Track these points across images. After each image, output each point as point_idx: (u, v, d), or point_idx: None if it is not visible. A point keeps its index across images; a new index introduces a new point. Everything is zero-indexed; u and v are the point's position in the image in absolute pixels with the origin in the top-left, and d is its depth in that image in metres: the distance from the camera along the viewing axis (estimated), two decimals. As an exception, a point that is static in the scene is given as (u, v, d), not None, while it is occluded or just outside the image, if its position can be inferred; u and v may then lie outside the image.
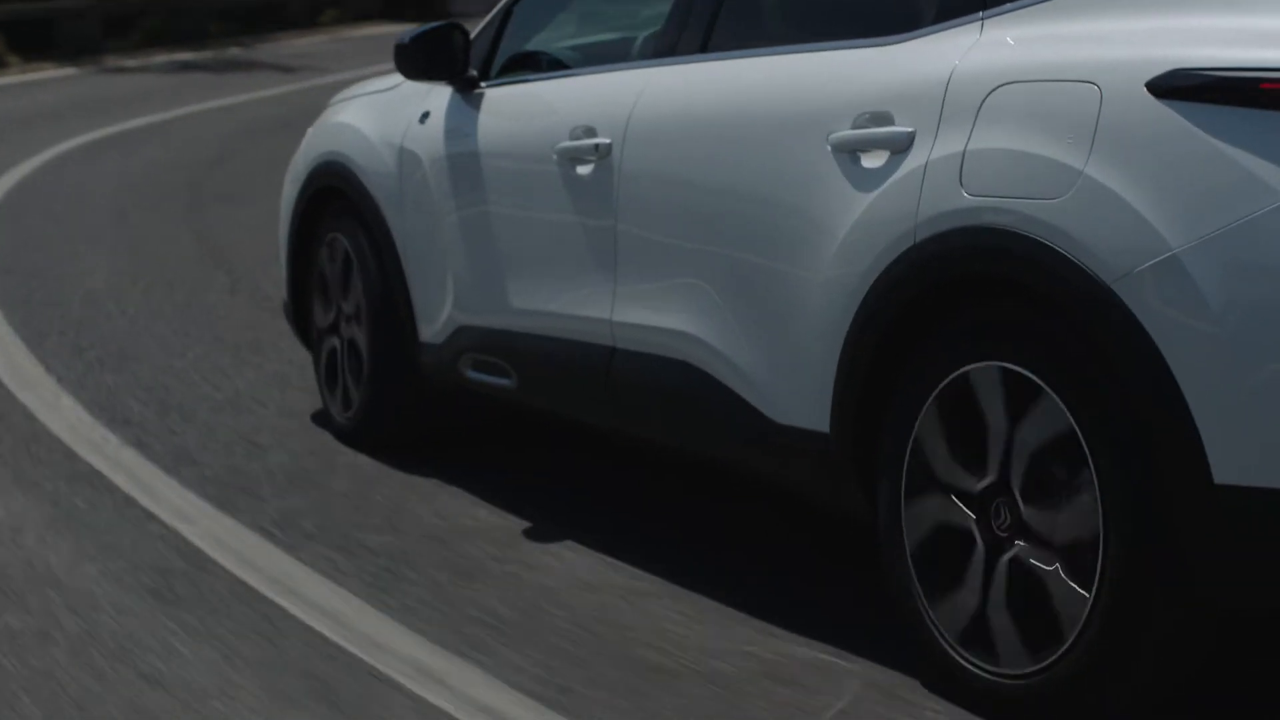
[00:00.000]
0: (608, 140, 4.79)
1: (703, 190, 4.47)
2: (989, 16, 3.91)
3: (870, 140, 4.03)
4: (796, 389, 4.24)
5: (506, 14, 5.52)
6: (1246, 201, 3.32)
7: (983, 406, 3.77)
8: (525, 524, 5.16)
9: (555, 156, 4.98)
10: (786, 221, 4.22)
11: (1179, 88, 3.42)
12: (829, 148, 4.12)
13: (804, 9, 4.56)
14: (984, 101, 3.77)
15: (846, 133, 4.08)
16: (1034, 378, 3.65)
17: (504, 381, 5.31)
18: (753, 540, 5.04)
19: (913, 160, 3.91)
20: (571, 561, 4.87)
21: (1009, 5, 3.89)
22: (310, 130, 6.41)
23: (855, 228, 4.03)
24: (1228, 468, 3.37)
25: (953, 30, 3.97)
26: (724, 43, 4.62)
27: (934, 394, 3.87)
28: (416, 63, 5.49)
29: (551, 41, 5.53)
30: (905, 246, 3.90)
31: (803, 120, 4.20)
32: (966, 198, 3.75)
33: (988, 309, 3.80)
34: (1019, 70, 3.73)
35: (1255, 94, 3.33)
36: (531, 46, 5.51)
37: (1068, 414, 3.59)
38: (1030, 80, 3.70)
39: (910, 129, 3.93)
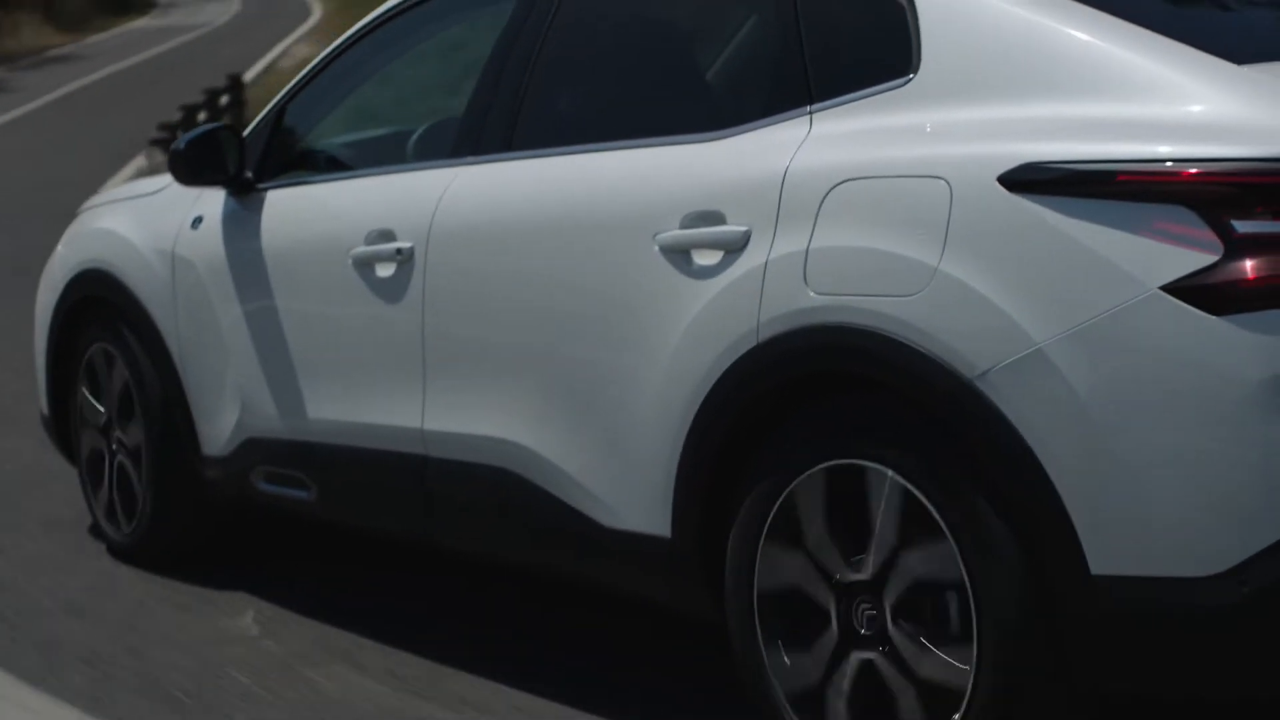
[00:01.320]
0: (409, 244, 4.57)
1: (520, 293, 4.28)
2: (817, 110, 3.80)
3: (701, 240, 3.89)
4: (631, 493, 4.07)
5: (279, 113, 5.26)
6: (1111, 293, 3.25)
7: (840, 503, 3.65)
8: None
9: (350, 261, 4.73)
10: (614, 323, 4.06)
11: (1032, 181, 3.35)
12: (656, 248, 3.96)
13: (618, 105, 4.39)
14: (824, 199, 3.65)
15: (675, 232, 3.93)
16: (896, 476, 3.54)
17: (302, 494, 5.04)
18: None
19: (750, 259, 3.78)
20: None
21: (837, 98, 3.78)
22: (65, 237, 6.06)
23: (692, 328, 3.88)
24: (1105, 558, 3.29)
25: (779, 125, 3.86)
26: (531, 140, 4.43)
27: (786, 492, 3.74)
28: (191, 167, 5.20)
29: (326, 139, 5.29)
30: (748, 346, 3.76)
31: (627, 220, 4.04)
32: (813, 296, 3.63)
33: (841, 407, 3.68)
34: (859, 166, 3.62)
35: (1112, 185, 3.27)
36: (307, 145, 5.26)
37: (934, 512, 3.48)
38: (872, 177, 3.60)
39: (744, 228, 3.80)
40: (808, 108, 3.82)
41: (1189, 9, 3.83)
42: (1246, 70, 3.36)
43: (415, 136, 5.07)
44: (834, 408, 3.69)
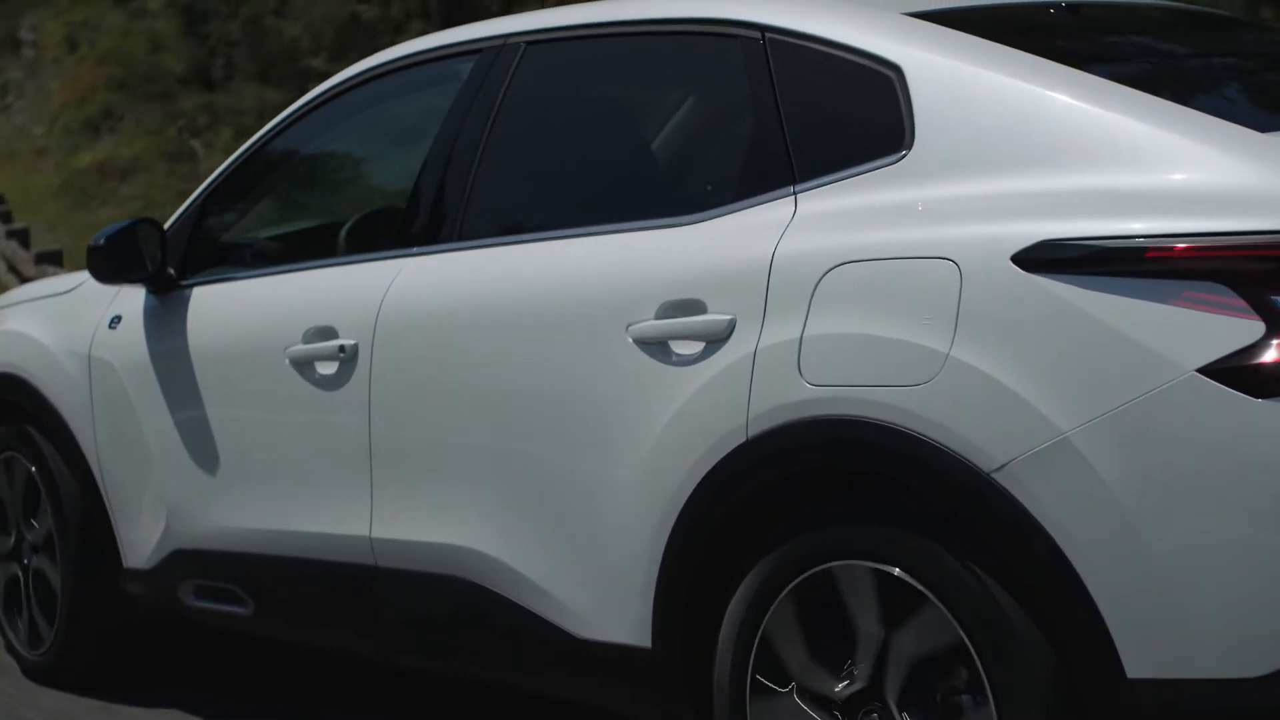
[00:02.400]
0: (352, 341, 4.24)
1: (477, 392, 3.96)
2: (802, 190, 3.53)
3: (681, 330, 3.59)
4: (607, 602, 3.75)
5: (202, 206, 4.92)
6: (1143, 377, 2.99)
7: (848, 610, 3.35)
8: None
9: (287, 360, 4.40)
10: (583, 422, 3.75)
11: (1050, 260, 3.09)
12: (630, 340, 3.67)
13: (579, 190, 4.09)
14: (818, 284, 3.38)
15: (650, 323, 3.64)
16: (908, 579, 3.26)
17: (237, 609, 4.67)
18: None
19: (736, 350, 3.49)
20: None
21: (823, 177, 3.52)
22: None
23: (672, 425, 3.58)
24: (1141, 661, 3.02)
25: (761, 207, 3.58)
26: (483, 229, 4.12)
27: (782, 596, 3.44)
28: (109, 263, 4.83)
29: (254, 232, 4.95)
30: (737, 443, 3.47)
31: (597, 311, 3.74)
32: (809, 388, 3.35)
33: (844, 505, 3.39)
34: (855, 249, 3.35)
35: (1140, 263, 3.02)
36: (233, 239, 4.93)
37: (951, 619, 3.20)
38: (871, 259, 3.33)
39: (729, 316, 3.51)
40: (791, 188, 3.55)
41: (1206, 75, 3.61)
42: (1272, 138, 3.13)
43: (349, 227, 4.76)
44: (835, 506, 3.40)
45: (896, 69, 3.50)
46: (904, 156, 3.41)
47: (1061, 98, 3.30)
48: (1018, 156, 3.28)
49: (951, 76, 3.44)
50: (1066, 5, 3.98)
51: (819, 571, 3.39)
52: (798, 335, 3.38)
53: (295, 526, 4.43)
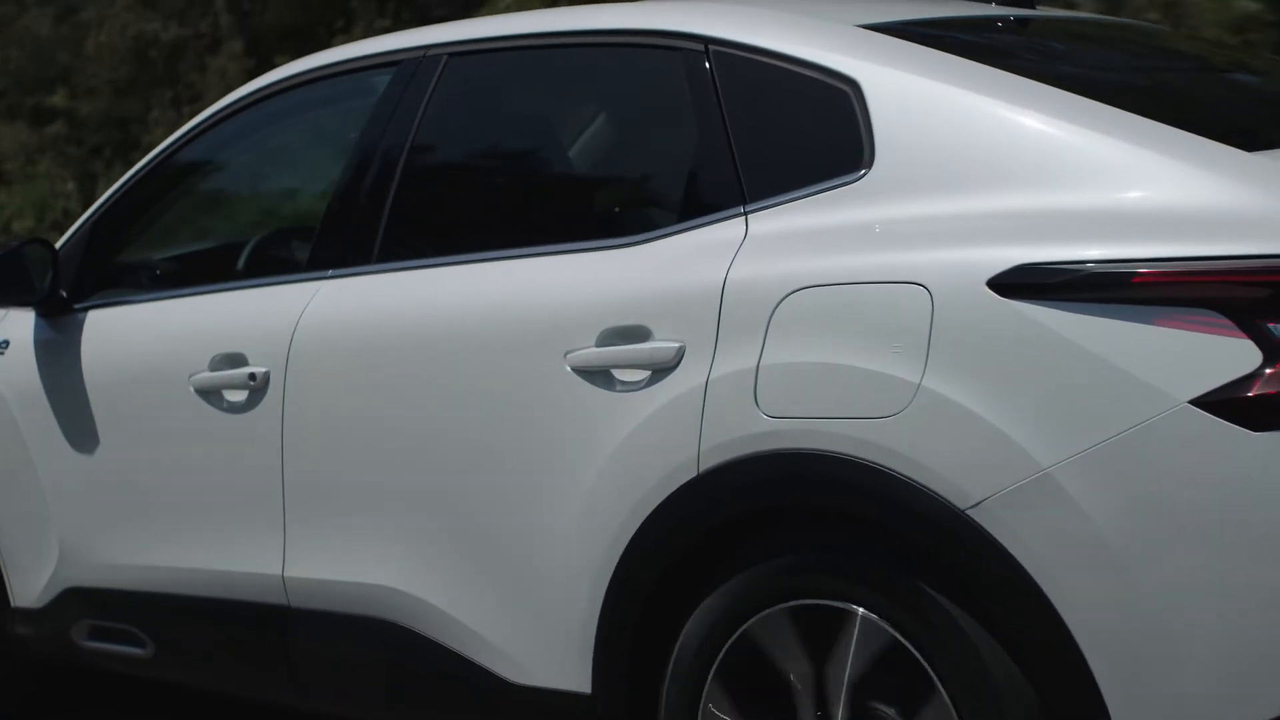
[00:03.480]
0: (263, 369, 3.94)
1: (401, 423, 3.68)
2: (753, 211, 3.30)
3: (623, 358, 3.35)
4: (543, 645, 3.49)
5: (96, 225, 4.59)
6: (1132, 409, 2.79)
7: (806, 654, 3.12)
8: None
9: (191, 388, 4.09)
10: (516, 454, 3.49)
11: (1029, 285, 2.88)
12: (568, 368, 3.41)
13: (508, 211, 3.83)
14: (775, 310, 3.14)
15: (590, 350, 3.38)
16: (875, 619, 3.03)
17: (134, 651, 4.35)
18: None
19: (685, 379, 3.25)
20: None
21: (774, 198, 3.28)
22: None
23: (615, 458, 3.33)
24: (1129, 710, 2.81)
25: (709, 228, 3.34)
26: (406, 250, 3.85)
27: (734, 638, 3.20)
28: None
29: (153, 253, 4.63)
30: (687, 477, 3.23)
31: (531, 338, 3.48)
32: (766, 420, 3.12)
33: (801, 543, 3.16)
34: (814, 273, 3.12)
35: (1127, 289, 2.81)
36: (131, 260, 4.60)
37: (923, 662, 2.98)
38: (832, 284, 3.09)
39: (676, 343, 3.27)
40: (741, 209, 3.31)
41: (1178, 91, 3.42)
42: (1260, 157, 2.94)
43: (254, 248, 4.46)
44: (793, 544, 3.16)
45: (853, 83, 3.27)
46: (863, 176, 3.19)
47: (1032, 114, 3.09)
48: (986, 176, 3.07)
49: (912, 92, 3.22)
50: (1015, 19, 3.79)
51: (775, 612, 3.16)
52: (753, 364, 3.15)
53: (199, 564, 4.12)
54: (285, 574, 3.93)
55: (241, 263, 4.45)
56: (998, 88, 3.17)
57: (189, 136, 4.38)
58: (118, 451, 4.31)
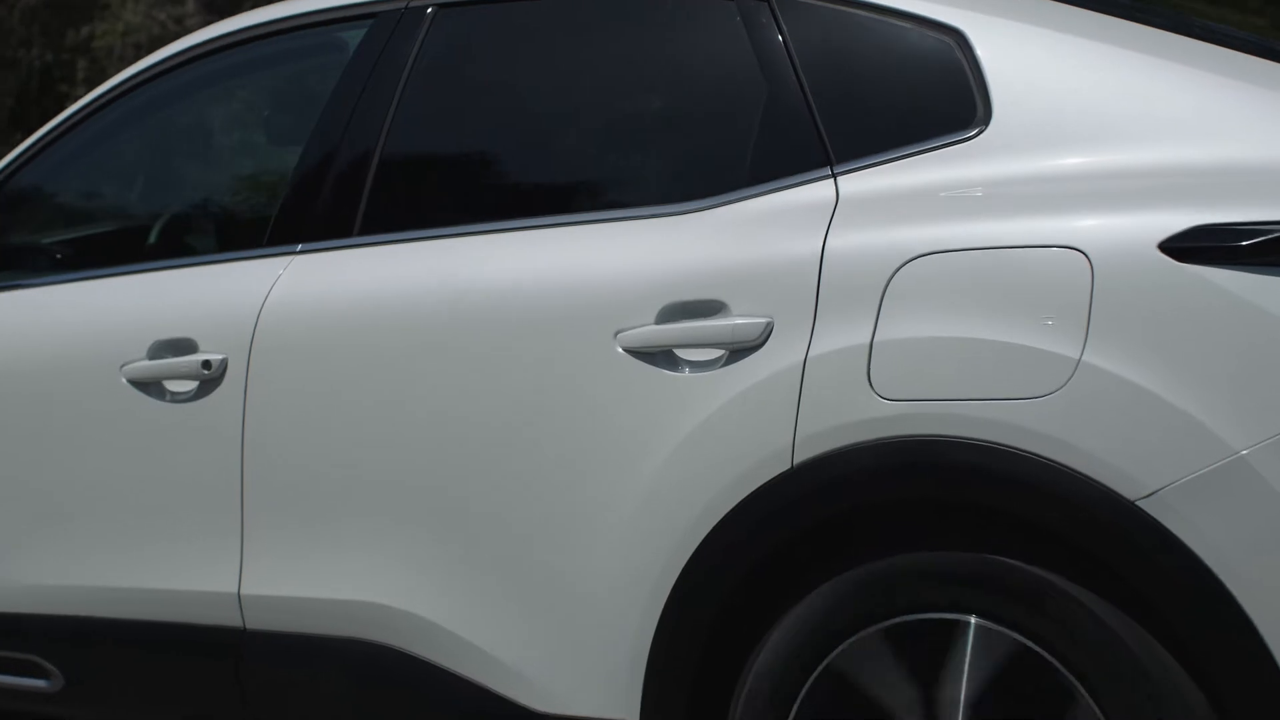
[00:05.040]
0: (219, 356, 3.38)
1: (404, 415, 3.16)
2: (843, 171, 2.88)
3: (691, 336, 2.89)
4: (580, 666, 3.01)
5: (-8, 198, 3.96)
6: None
7: (904, 676, 2.69)
8: None
9: (124, 379, 3.49)
10: (555, 448, 3.01)
11: (1211, 249, 2.51)
12: (619, 349, 2.94)
13: (535, 170, 3.32)
14: (891, 280, 2.72)
15: (648, 329, 2.93)
16: (993, 625, 2.62)
17: (38, 684, 3.71)
18: None
19: (775, 359, 2.80)
20: None
21: (870, 156, 2.87)
22: None
23: (680, 453, 2.87)
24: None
25: (788, 191, 2.92)
26: (400, 220, 3.33)
27: (829, 660, 2.76)
28: None
29: (65, 228, 4.01)
30: (775, 472, 2.78)
31: (572, 316, 3.00)
32: (884, 403, 2.69)
33: (920, 543, 2.73)
34: (939, 239, 2.71)
35: (1332, 251, 2.46)
36: (38, 235, 3.98)
37: (1078, 686, 2.57)
38: (963, 249, 2.69)
39: (762, 319, 2.82)
40: (828, 170, 2.89)
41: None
42: None
43: (196, 221, 3.88)
44: (910, 545, 2.73)
45: (955, 33, 2.88)
46: (980, 132, 2.79)
47: (1182, 63, 2.73)
48: (1134, 130, 2.70)
49: (1031, 40, 2.84)
50: None
51: (872, 633, 2.72)
52: (865, 340, 2.72)
53: (129, 582, 3.52)
54: (242, 591, 3.36)
55: (181, 238, 3.86)
56: (1133, 37, 2.81)
57: (115, 93, 3.78)
58: (24, 452, 3.68)
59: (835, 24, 3.00)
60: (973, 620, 2.64)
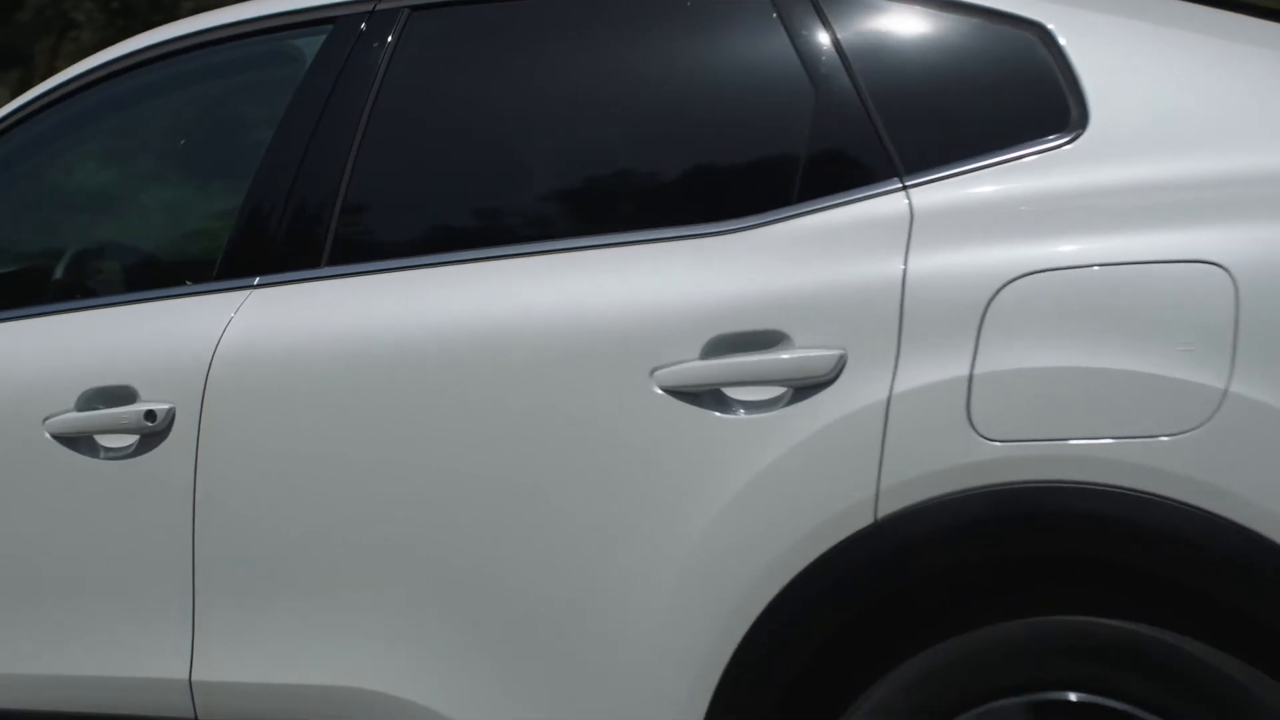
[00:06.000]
0: (166, 405, 2.90)
1: (399, 464, 2.71)
2: (915, 183, 2.51)
3: (743, 373, 2.50)
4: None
5: None
6: None
7: None
8: None
9: (48, 434, 3.00)
10: (581, 504, 2.59)
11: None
12: (656, 388, 2.53)
13: (538, 188, 2.88)
14: (991, 303, 2.35)
15: (690, 365, 2.52)
16: (1141, 713, 2.25)
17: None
18: None
19: (850, 397, 2.42)
20: None
21: (947, 166, 2.50)
22: None
23: (735, 508, 2.47)
24: None
25: (851, 206, 2.54)
26: (382, 248, 2.90)
27: None
28: None
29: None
30: (856, 528, 2.39)
31: (601, 352, 2.59)
32: (988, 444, 2.31)
33: (1037, 609, 2.34)
34: (1045, 256, 2.35)
35: None
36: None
37: None
38: (1074, 267, 2.32)
39: (833, 351, 2.43)
40: (898, 181, 2.52)
41: None
42: None
43: (121, 257, 3.40)
44: (1023, 611, 2.35)
45: (1038, 28, 2.53)
46: (1076, 137, 2.44)
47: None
48: (1254, 133, 2.37)
49: (1121, 34, 2.50)
50: None
51: (994, 709, 2.33)
52: (964, 373, 2.34)
53: (59, 668, 3.01)
54: (193, 677, 2.88)
55: (105, 275, 3.36)
56: (1239, 28, 2.49)
57: (24, 112, 3.28)
58: None
59: (891, 19, 2.64)
60: (1114, 706, 2.26)
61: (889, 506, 2.37)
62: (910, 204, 2.49)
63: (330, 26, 3.07)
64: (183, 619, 2.89)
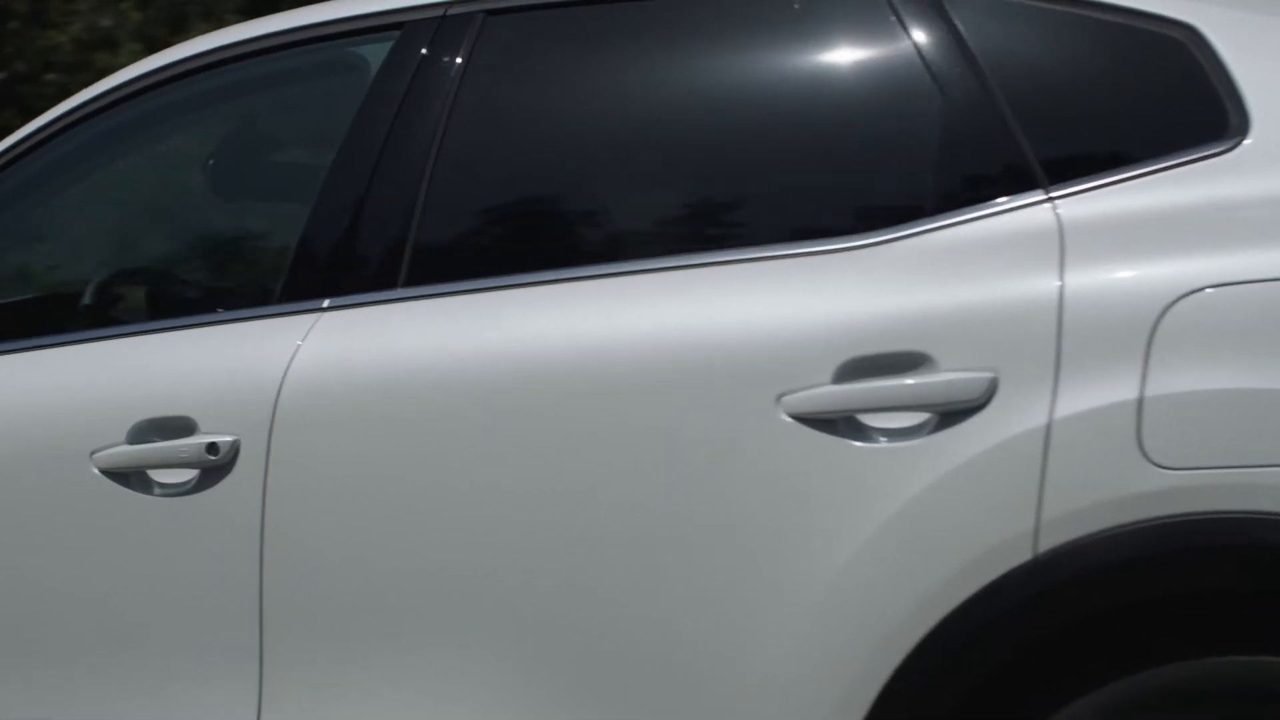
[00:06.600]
0: (230, 438, 2.69)
1: (503, 502, 2.50)
2: (1060, 194, 2.34)
3: (880, 398, 2.31)
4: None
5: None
6: None
7: None
8: None
9: (96, 470, 2.78)
10: (698, 549, 2.39)
11: None
12: (784, 415, 2.34)
13: (658, 204, 2.68)
14: (1160, 321, 2.18)
15: (822, 390, 2.34)
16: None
17: None
18: None
19: (1005, 423, 2.25)
20: None
21: (1093, 176, 2.34)
22: None
23: (876, 544, 2.29)
24: None
25: (991, 219, 2.37)
26: (466, 268, 2.69)
27: None
28: None
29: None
30: (1013, 563, 2.21)
31: (721, 376, 2.40)
32: (1162, 472, 2.15)
33: (1216, 646, 2.17)
34: (1219, 270, 2.19)
35: None
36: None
37: None
38: (1254, 281, 2.16)
39: (984, 373, 2.26)
40: (1042, 192, 2.35)
41: None
42: None
43: (170, 279, 3.17)
44: (1208, 654, 2.18)
45: (1186, 28, 2.37)
46: (1238, 144, 2.28)
47: None
48: None
49: (1270, 34, 2.36)
50: None
51: None
52: (1133, 396, 2.17)
53: None
54: (261, 732, 2.66)
55: (153, 299, 3.13)
56: None
57: (66, 122, 3.04)
58: None
59: (1023, 19, 2.47)
60: None
61: (1051, 540, 2.19)
62: (1058, 216, 2.32)
63: (397, 33, 2.87)
64: (248, 674, 2.67)
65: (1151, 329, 2.18)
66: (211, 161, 3.16)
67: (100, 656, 2.77)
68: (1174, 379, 2.16)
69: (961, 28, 2.47)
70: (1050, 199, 2.34)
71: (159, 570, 2.74)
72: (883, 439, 2.30)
